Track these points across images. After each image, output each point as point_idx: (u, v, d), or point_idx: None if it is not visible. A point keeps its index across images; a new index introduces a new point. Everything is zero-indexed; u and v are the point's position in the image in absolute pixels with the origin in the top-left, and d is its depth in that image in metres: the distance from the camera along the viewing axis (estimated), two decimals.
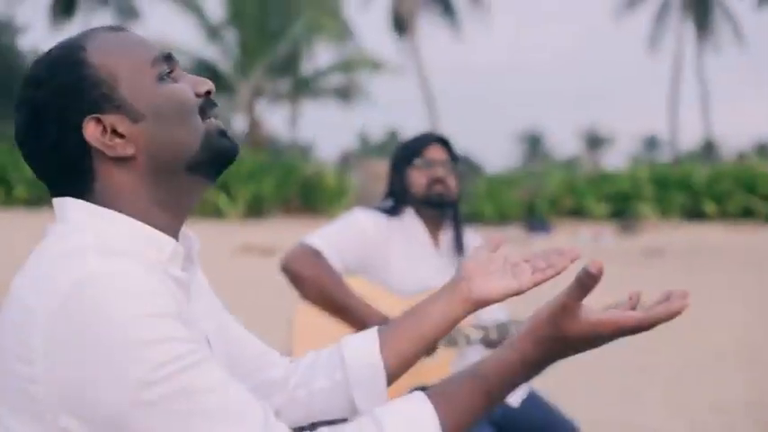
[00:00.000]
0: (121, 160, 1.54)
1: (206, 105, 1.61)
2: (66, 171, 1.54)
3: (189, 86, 1.60)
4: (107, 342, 1.32)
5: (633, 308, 1.53)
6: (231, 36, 39.08)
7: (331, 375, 1.75)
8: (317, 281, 3.52)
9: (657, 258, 19.51)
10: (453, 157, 3.78)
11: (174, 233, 1.60)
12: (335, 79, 42.52)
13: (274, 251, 18.89)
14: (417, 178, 3.71)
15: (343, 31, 42.15)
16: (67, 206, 1.54)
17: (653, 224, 30.73)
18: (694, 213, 32.32)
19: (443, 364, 3.53)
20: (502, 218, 31.66)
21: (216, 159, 1.60)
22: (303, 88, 42.40)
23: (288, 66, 40.84)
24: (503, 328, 3.51)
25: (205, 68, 38.65)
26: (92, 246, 1.43)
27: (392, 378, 1.75)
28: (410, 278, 3.65)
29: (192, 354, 1.37)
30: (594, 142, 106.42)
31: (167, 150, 1.55)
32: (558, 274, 1.69)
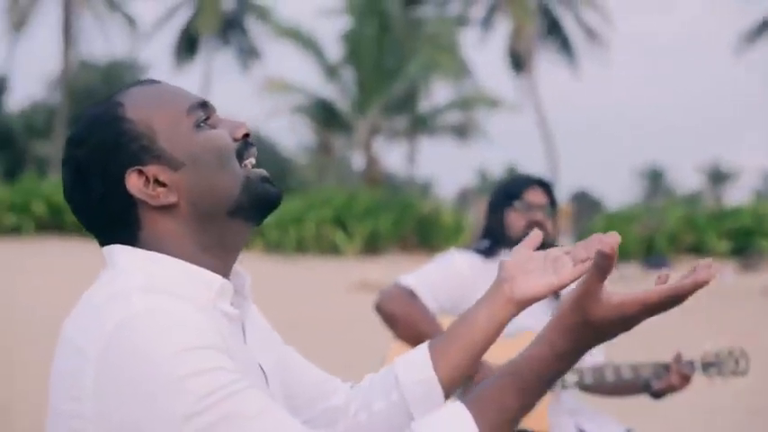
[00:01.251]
0: (165, 208, 1.59)
1: (243, 149, 1.65)
2: (113, 222, 1.60)
3: (226, 131, 1.64)
4: (149, 379, 1.38)
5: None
6: (349, 75, 39.40)
7: (387, 396, 1.75)
8: (411, 321, 3.54)
9: None
10: (553, 201, 3.76)
11: (224, 273, 1.63)
12: (453, 117, 42.57)
13: None
14: (516, 221, 3.71)
15: (459, 69, 42.18)
16: (116, 252, 1.60)
17: None
18: None
19: (541, 408, 3.49)
20: (620, 254, 31.03)
21: (257, 204, 1.64)
22: (420, 126, 42.52)
23: (405, 103, 40.98)
24: (598, 372, 3.49)
25: (323, 107, 39.09)
26: (137, 286, 1.49)
27: (449, 390, 1.74)
28: None
29: (235, 383, 1.41)
30: (717, 177, 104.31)
31: (208, 196, 1.60)
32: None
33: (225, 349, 1.45)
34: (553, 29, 51.14)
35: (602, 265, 1.41)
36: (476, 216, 32.03)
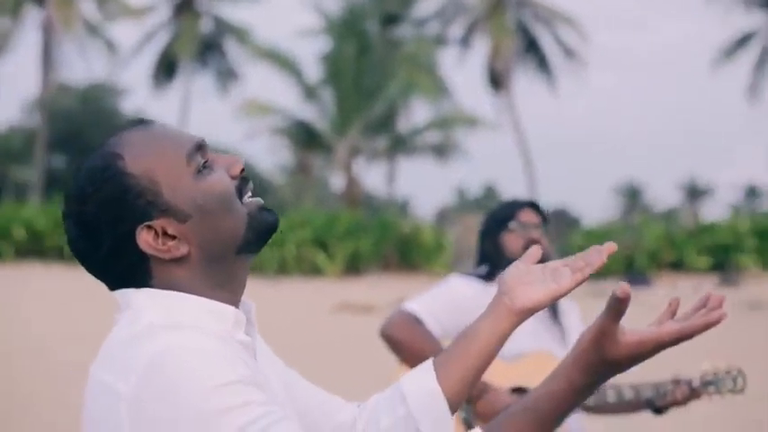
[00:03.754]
0: (176, 259, 1.60)
1: (242, 185, 1.67)
2: (123, 275, 1.62)
3: (223, 171, 1.65)
4: (184, 417, 1.41)
5: (673, 314, 1.57)
6: (328, 95, 39.44)
7: (394, 412, 1.75)
8: (416, 346, 3.58)
9: (760, 311, 19.19)
10: (544, 220, 3.85)
11: (234, 305, 1.66)
12: (432, 136, 42.69)
13: (372, 309, 18.96)
14: (513, 242, 3.77)
15: (438, 89, 42.35)
16: (130, 295, 1.61)
17: (755, 276, 30.19)
18: None
19: None
20: (600, 272, 30.99)
21: (261, 235, 1.67)
22: (400, 146, 42.61)
23: (384, 124, 41.06)
24: (600, 393, 3.54)
25: (302, 128, 39.14)
26: (162, 324, 1.52)
27: (454, 403, 1.74)
28: (507, 343, 3.67)
29: (270, 414, 1.45)
30: (694, 193, 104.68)
31: (217, 241, 1.62)
32: (596, 270, 1.68)
33: (255, 381, 1.49)
34: (531, 47, 51.30)
35: (617, 308, 1.50)
36: (455, 234, 32.10)
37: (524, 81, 54.25)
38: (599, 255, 1.68)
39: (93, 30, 47.99)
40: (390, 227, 32.48)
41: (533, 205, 3.86)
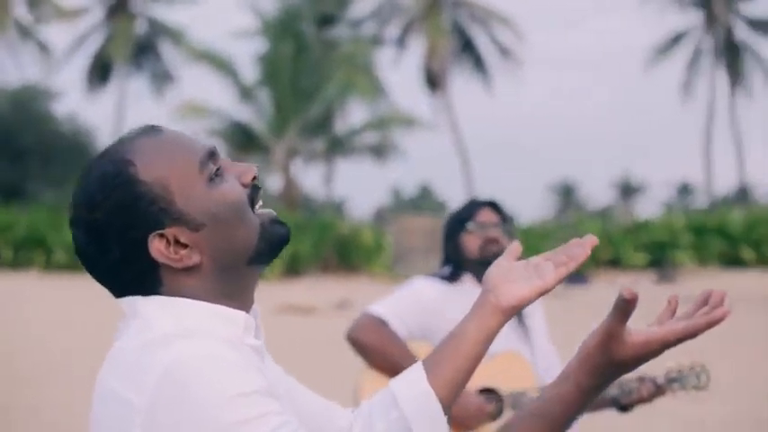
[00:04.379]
0: (187, 268, 1.58)
1: (254, 194, 1.66)
2: (131, 282, 1.59)
3: (235, 179, 1.64)
4: (202, 427, 1.39)
5: (673, 312, 1.61)
6: (265, 97, 39.27)
7: (386, 416, 1.72)
8: (383, 349, 3.60)
9: None
10: (504, 219, 3.86)
11: (244, 311, 1.64)
12: (369, 137, 42.66)
13: (314, 310, 18.95)
14: (471, 242, 3.80)
15: (375, 89, 42.38)
16: (138, 303, 1.59)
17: (691, 272, 30.55)
18: (732, 260, 32.06)
19: None
20: None
21: (273, 247, 1.66)
22: (337, 147, 42.57)
23: (322, 125, 41.02)
24: None
25: (240, 130, 38.95)
26: (175, 332, 1.50)
27: (447, 404, 1.73)
28: None
29: (287, 424, 1.44)
30: (628, 191, 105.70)
31: (229, 251, 1.60)
32: (580, 264, 1.70)
33: (270, 389, 1.47)
34: (467, 47, 51.63)
35: (624, 308, 1.52)
36: (393, 235, 32.13)
37: (461, 81, 54.60)
38: (582, 248, 1.70)
39: (25, 32, 47.57)
40: (329, 228, 32.43)
41: (492, 205, 3.88)
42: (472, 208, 3.87)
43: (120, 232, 1.56)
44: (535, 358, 3.82)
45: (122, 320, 1.62)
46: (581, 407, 1.63)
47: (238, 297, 1.64)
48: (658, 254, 32.13)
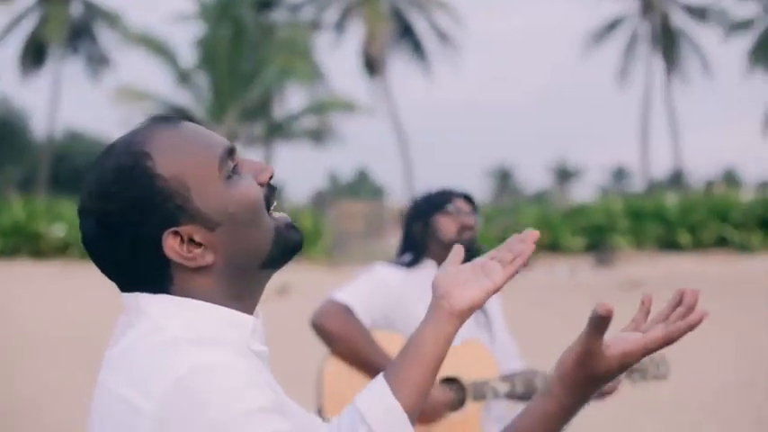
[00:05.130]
0: (200, 268, 1.54)
1: (270, 194, 1.62)
2: (140, 278, 1.54)
3: (251, 178, 1.60)
4: None
5: (647, 312, 1.62)
6: (203, 81, 39.00)
7: None
8: (348, 337, 3.57)
9: (634, 290, 19.58)
10: (475, 211, 3.86)
11: (250, 314, 1.61)
12: (308, 122, 42.56)
13: None
14: (448, 225, 3.77)
15: (314, 74, 42.30)
16: (144, 300, 1.54)
17: (628, 256, 30.82)
18: (669, 244, 32.38)
19: (472, 418, 3.56)
20: (478, 254, 31.16)
21: (286, 253, 1.63)
22: (276, 131, 42.43)
23: (261, 109, 40.87)
24: (529, 381, 3.55)
25: (178, 114, 38.61)
26: (184, 337, 1.46)
27: (413, 414, 1.74)
28: None
29: None
30: (564, 175, 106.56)
31: (243, 253, 1.56)
32: (526, 259, 1.72)
33: (280, 405, 1.45)
34: (406, 32, 51.68)
35: (599, 325, 1.52)
36: (331, 219, 32.11)
37: (400, 66, 54.62)
38: (525, 244, 1.73)
39: None
40: None
41: (466, 197, 3.87)
42: (449, 194, 3.84)
43: (133, 227, 1.51)
44: (494, 347, 3.81)
45: (124, 315, 1.57)
46: (564, 422, 1.63)
47: (247, 300, 1.60)
48: (596, 238, 32.35)
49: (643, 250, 32.22)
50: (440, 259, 3.77)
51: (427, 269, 3.80)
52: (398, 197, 56.48)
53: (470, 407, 3.55)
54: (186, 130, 1.58)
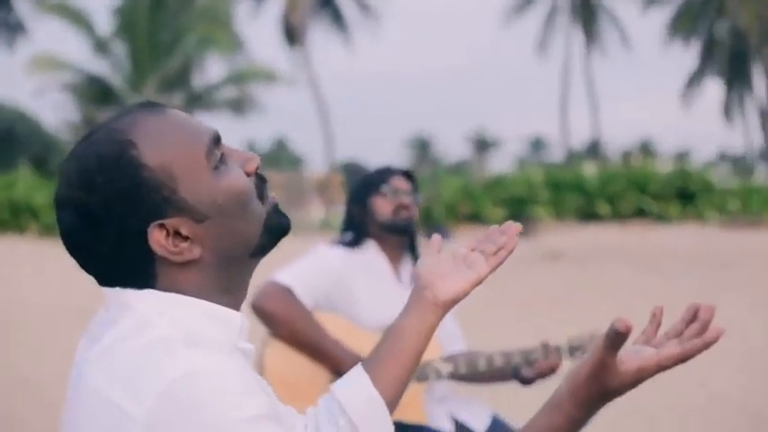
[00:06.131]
0: (187, 263, 1.48)
1: (261, 185, 1.57)
2: (123, 273, 1.47)
3: (238, 167, 1.54)
4: None
5: (658, 324, 1.61)
6: (121, 50, 38.48)
7: (335, 424, 1.68)
8: (290, 320, 3.51)
9: (555, 261, 19.77)
10: (415, 189, 3.81)
11: (237, 308, 1.57)
12: (228, 92, 42.22)
13: None
14: (383, 206, 3.73)
15: (234, 43, 41.92)
16: (129, 296, 1.47)
17: (548, 227, 31.07)
18: (588, 215, 32.69)
19: (414, 399, 3.51)
20: None
21: (274, 239, 1.58)
22: (196, 101, 42.01)
23: (180, 79, 40.42)
24: (472, 362, 3.51)
25: (96, 83, 38.05)
26: (175, 337, 1.39)
27: (392, 405, 1.71)
28: (377, 312, 3.61)
29: None
30: (482, 146, 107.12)
31: (232, 245, 1.51)
32: (511, 253, 1.71)
33: (274, 410, 1.41)
34: (327, 1, 51.46)
35: (616, 340, 1.49)
36: None
37: (320, 36, 54.43)
38: (507, 236, 1.72)
39: None
40: None
41: (406, 174, 3.82)
42: (386, 173, 3.80)
43: (117, 220, 1.44)
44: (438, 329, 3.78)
45: (105, 311, 1.51)
46: None
47: (235, 291, 1.56)
48: (516, 209, 32.55)
49: (563, 221, 32.51)
50: (380, 240, 3.76)
51: (369, 250, 3.76)
52: (318, 167, 56.44)
53: (413, 388, 3.50)
54: (171, 118, 1.52)
